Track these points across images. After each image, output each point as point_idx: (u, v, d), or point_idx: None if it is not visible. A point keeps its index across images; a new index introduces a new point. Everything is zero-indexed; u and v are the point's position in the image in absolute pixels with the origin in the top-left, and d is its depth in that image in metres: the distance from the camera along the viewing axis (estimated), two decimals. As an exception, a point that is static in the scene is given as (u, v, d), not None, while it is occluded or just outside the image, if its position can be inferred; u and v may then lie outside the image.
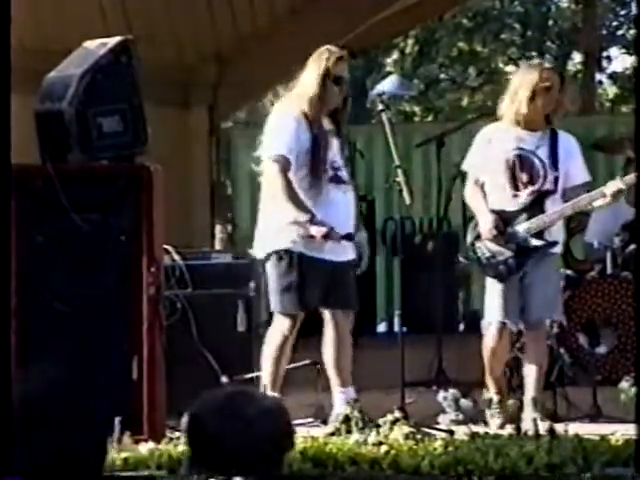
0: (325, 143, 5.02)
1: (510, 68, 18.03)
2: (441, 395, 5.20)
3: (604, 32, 16.15)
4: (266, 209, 5.09)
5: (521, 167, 5.14)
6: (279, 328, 5.05)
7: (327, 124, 5.06)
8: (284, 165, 4.97)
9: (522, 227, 5.15)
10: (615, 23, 17.40)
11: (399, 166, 5.13)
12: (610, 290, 6.23)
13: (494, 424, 5.07)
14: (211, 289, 5.62)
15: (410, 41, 16.77)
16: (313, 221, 4.93)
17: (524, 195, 5.14)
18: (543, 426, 4.81)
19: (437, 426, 4.95)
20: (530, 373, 5.16)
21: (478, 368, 5.31)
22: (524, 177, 5.14)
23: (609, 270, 6.34)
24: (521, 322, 5.18)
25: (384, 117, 5.23)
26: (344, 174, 5.09)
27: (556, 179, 5.15)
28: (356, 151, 10.34)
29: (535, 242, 5.14)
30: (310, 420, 5.17)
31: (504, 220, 5.17)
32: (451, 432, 4.78)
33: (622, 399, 5.18)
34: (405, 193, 5.08)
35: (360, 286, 10.87)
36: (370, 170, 10.08)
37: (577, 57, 15.15)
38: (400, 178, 5.10)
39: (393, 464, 4.27)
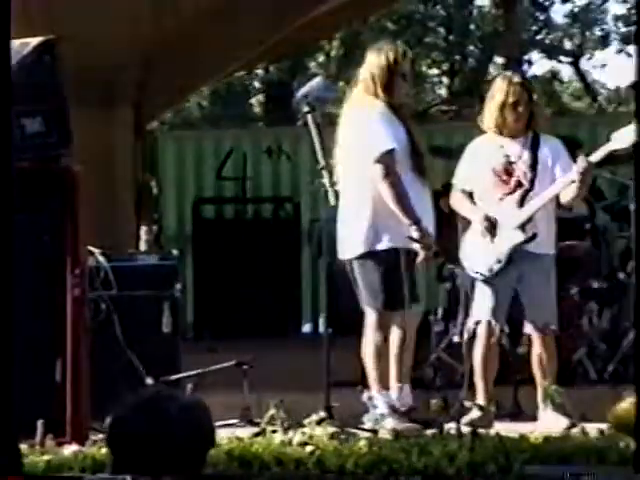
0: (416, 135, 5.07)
1: (434, 71, 18.23)
2: (366, 395, 5.25)
3: (524, 36, 16.41)
4: (360, 209, 5.09)
5: (506, 174, 5.31)
6: (381, 325, 5.08)
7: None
8: (391, 162, 5.02)
9: (510, 226, 5.28)
10: (535, 28, 17.69)
11: (324, 167, 5.17)
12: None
13: (473, 418, 5.13)
14: (136, 290, 5.61)
15: (335, 43, 16.85)
16: (419, 226, 4.99)
17: (508, 200, 5.31)
18: (564, 422, 4.98)
19: (361, 426, 5.00)
20: (541, 371, 5.30)
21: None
22: (509, 183, 5.31)
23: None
24: (525, 326, 5.34)
25: (310, 119, 5.27)
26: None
27: (532, 180, 5.31)
28: (282, 153, 10.41)
29: (516, 239, 5.28)
30: (236, 421, 5.18)
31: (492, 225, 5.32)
32: (375, 432, 4.83)
33: (543, 397, 5.28)
34: (330, 195, 5.12)
35: (286, 287, 10.89)
36: (296, 172, 10.14)
37: (499, 61, 15.36)
38: (325, 180, 5.14)
39: (318, 464, 4.30)
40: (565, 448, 4.31)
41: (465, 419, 5.04)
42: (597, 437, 4.53)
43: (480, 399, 5.30)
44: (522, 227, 5.28)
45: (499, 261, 5.29)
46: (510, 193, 5.31)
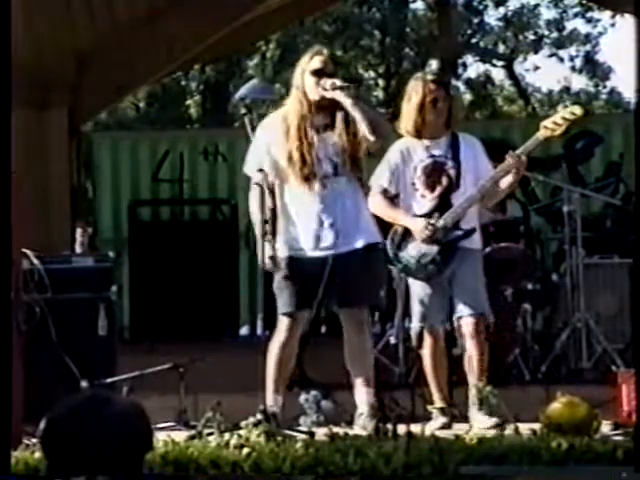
0: (300, 140, 5.06)
1: (369, 74, 18.33)
2: (302, 397, 5.26)
3: (459, 40, 16.57)
4: None
5: (433, 173, 5.32)
6: (278, 328, 5.15)
7: (323, 118, 5.11)
8: (253, 181, 5.11)
9: (439, 224, 5.31)
10: (469, 31, 17.86)
11: (261, 170, 5.18)
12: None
13: (437, 424, 5.18)
14: (71, 293, 5.57)
15: (272, 45, 16.86)
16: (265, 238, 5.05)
17: (432, 196, 5.33)
18: (490, 422, 5.00)
19: (298, 428, 5.01)
20: (472, 369, 5.30)
21: (339, 370, 5.39)
22: (439, 183, 5.32)
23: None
24: (455, 320, 5.33)
25: (246, 121, 5.28)
26: (327, 168, 5.08)
27: (458, 174, 5.32)
28: (219, 154, 10.40)
29: (454, 234, 5.31)
30: (172, 424, 5.17)
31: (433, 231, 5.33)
32: (312, 434, 4.84)
33: (476, 398, 5.33)
34: (267, 196, 5.14)
35: (223, 289, 10.86)
36: (233, 173, 10.13)
37: (434, 64, 15.48)
38: (262, 182, 5.15)
39: (254, 466, 4.30)
40: (499, 448, 4.37)
41: (433, 426, 5.06)
42: (530, 437, 4.60)
43: (438, 403, 5.33)
44: (456, 224, 5.33)
45: (433, 261, 5.33)
46: (440, 192, 5.33)
